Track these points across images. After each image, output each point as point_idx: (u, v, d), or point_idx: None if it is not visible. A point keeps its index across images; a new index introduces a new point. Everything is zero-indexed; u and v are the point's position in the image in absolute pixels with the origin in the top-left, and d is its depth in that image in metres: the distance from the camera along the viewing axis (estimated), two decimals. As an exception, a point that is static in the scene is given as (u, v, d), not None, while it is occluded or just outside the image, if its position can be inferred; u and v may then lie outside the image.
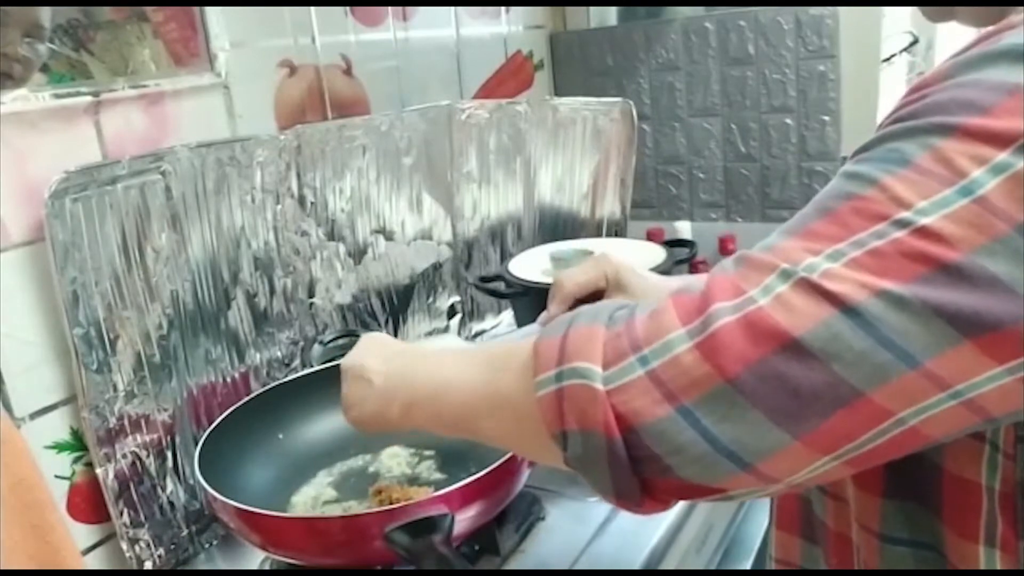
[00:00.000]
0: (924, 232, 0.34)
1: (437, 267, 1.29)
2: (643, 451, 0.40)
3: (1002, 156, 0.34)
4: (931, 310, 0.34)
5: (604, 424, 0.40)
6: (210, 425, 0.88)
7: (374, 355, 0.63)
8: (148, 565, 0.87)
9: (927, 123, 0.36)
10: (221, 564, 0.92)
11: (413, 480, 0.93)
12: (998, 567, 0.44)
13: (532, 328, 0.82)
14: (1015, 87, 0.35)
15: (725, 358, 0.37)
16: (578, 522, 0.89)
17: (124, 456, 0.85)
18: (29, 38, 0.61)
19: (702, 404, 0.38)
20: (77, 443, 0.84)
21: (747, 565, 1.06)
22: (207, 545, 0.94)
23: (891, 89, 1.42)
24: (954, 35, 1.67)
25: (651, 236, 1.54)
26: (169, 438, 0.89)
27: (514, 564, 0.83)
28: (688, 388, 0.38)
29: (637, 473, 0.41)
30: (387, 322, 1.21)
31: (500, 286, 1.20)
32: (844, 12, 1.36)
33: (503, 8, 1.50)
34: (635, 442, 0.40)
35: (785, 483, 0.40)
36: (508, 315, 1.42)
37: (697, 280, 0.42)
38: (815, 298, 0.36)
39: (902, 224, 0.35)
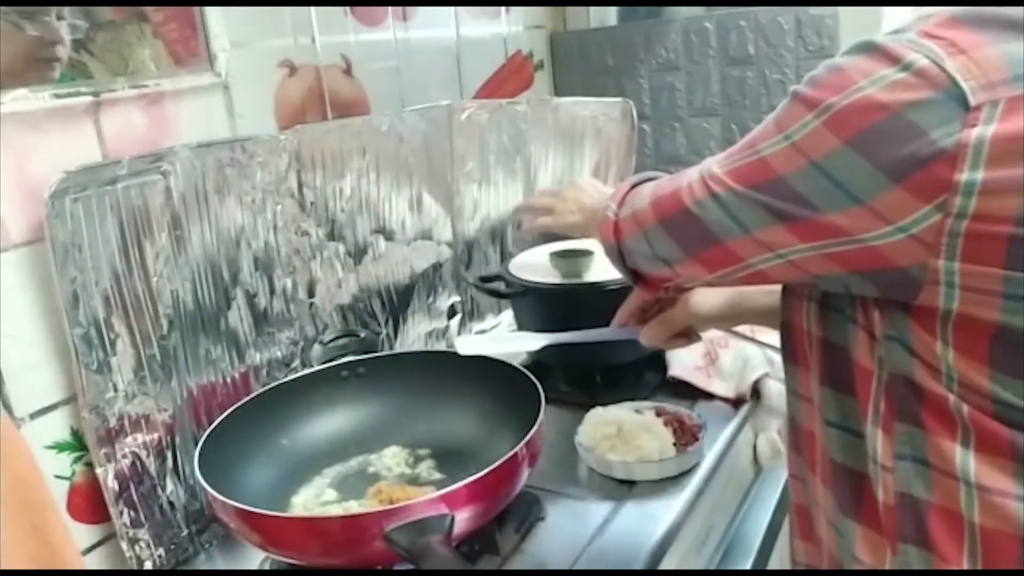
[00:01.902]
0: (761, 160, 0.54)
1: (437, 267, 1.29)
2: (626, 253, 0.73)
3: (808, 116, 0.50)
4: (757, 203, 0.54)
5: (614, 234, 0.73)
6: (210, 425, 0.88)
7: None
8: (148, 565, 0.87)
9: (794, 89, 0.53)
10: (221, 564, 0.92)
11: (413, 480, 0.93)
12: (879, 447, 0.55)
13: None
14: (839, 68, 0.50)
15: (658, 211, 0.65)
16: (578, 522, 0.89)
17: (124, 456, 0.85)
18: (60, 19, 0.74)
19: (649, 232, 0.67)
20: (77, 443, 0.84)
21: (747, 565, 1.06)
22: (207, 545, 0.94)
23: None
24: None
25: (651, 236, 1.54)
26: (169, 438, 0.89)
27: (514, 564, 0.83)
28: (645, 222, 0.68)
29: (628, 265, 0.74)
30: (387, 322, 1.21)
31: (500, 286, 1.20)
32: (844, 12, 1.36)
33: (503, 8, 1.50)
34: (622, 247, 0.73)
35: (695, 281, 0.69)
36: (508, 315, 1.42)
37: None
38: (703, 187, 0.59)
39: (755, 152, 0.55)
